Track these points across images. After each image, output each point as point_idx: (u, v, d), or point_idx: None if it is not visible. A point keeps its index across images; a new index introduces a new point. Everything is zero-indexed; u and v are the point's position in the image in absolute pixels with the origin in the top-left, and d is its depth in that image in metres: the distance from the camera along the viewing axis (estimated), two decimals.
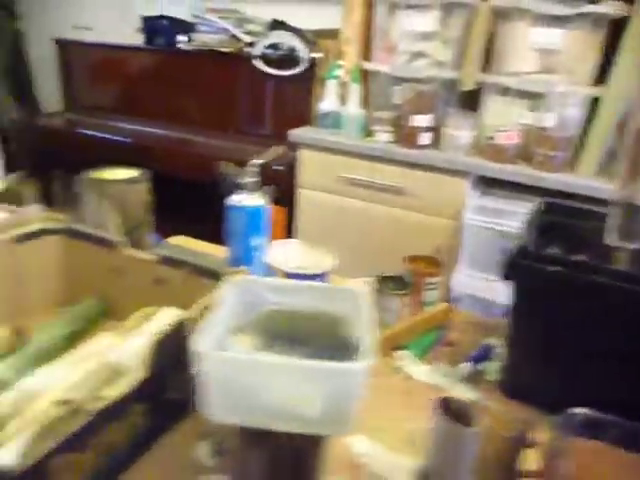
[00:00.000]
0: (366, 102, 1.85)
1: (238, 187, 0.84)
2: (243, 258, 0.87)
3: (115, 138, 2.33)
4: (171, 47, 2.34)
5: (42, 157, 2.65)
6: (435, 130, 1.76)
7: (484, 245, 1.65)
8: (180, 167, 2.15)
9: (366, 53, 1.86)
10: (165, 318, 0.79)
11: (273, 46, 2.09)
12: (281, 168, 1.96)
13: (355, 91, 1.80)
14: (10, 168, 2.88)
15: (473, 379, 0.87)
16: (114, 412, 0.58)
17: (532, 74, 1.67)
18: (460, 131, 1.71)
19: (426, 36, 1.74)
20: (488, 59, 1.72)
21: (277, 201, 2.00)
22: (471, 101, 1.79)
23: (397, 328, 0.93)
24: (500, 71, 1.70)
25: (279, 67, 2.09)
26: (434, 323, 0.98)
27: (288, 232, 2.02)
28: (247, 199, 0.84)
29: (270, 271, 0.92)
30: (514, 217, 1.59)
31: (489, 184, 1.73)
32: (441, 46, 1.74)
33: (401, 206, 1.80)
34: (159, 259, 0.84)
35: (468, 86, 1.70)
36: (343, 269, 1.85)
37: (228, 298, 0.66)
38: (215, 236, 1.12)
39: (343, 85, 1.86)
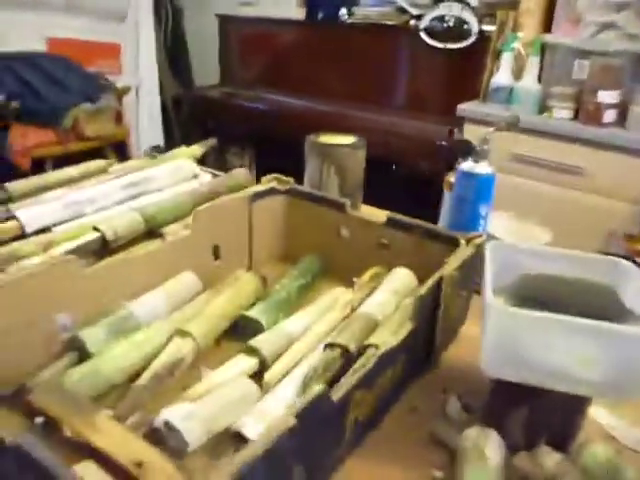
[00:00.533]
0: (545, 77, 1.77)
1: (470, 154, 0.84)
2: (470, 225, 0.87)
3: (272, 109, 2.42)
4: (333, 21, 2.38)
5: (198, 127, 2.82)
6: (621, 107, 1.65)
7: None
8: None
9: (547, 25, 1.77)
10: (401, 277, 0.82)
11: (440, 18, 2.05)
12: (444, 143, 1.94)
13: (534, 64, 1.73)
14: (169, 137, 3.11)
15: None
16: (390, 359, 0.61)
17: None
18: None
19: (618, 6, 1.62)
20: None
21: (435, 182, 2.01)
22: None
23: None
24: None
25: (447, 40, 2.05)
26: None
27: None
28: (479, 166, 0.84)
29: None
30: None
31: None
32: (634, 17, 1.61)
33: (579, 188, 1.72)
34: (386, 221, 0.86)
35: None
36: None
37: (488, 261, 0.66)
38: None
39: (519, 58, 1.79)
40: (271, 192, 0.95)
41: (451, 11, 2.01)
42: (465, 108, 1.85)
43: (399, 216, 0.86)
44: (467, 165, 0.85)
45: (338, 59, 2.37)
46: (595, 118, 1.65)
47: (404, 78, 2.20)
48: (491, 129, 0.88)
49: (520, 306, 0.72)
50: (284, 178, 0.95)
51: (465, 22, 1.99)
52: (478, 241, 0.79)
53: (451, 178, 0.94)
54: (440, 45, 2.06)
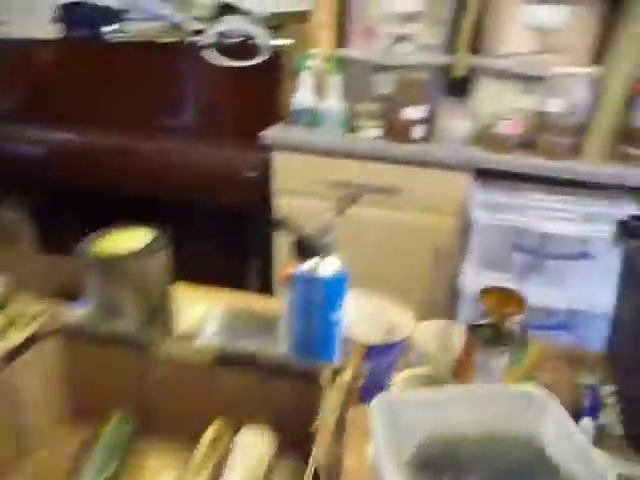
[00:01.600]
0: (346, 94, 1.64)
1: (312, 251, 0.63)
2: (321, 336, 0.67)
3: (30, 149, 1.97)
4: (94, 39, 1.99)
5: None
6: (428, 122, 1.60)
7: (494, 243, 1.52)
8: (123, 180, 1.86)
9: (342, 39, 1.65)
10: (252, 447, 0.58)
11: (225, 34, 1.82)
12: (253, 175, 1.73)
13: (335, 83, 1.59)
14: None
15: (597, 438, 0.74)
16: None
17: (528, 55, 1.54)
18: (456, 121, 1.56)
19: (409, 16, 1.56)
20: (478, 41, 1.57)
21: (250, 213, 1.79)
22: (459, 88, 1.64)
23: None
24: (493, 53, 1.56)
25: (236, 57, 1.82)
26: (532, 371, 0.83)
27: (266, 249, 1.80)
28: (325, 265, 0.64)
29: (346, 346, 0.73)
30: (524, 211, 1.48)
31: (490, 176, 1.60)
32: (427, 28, 1.56)
33: (395, 207, 1.63)
34: (215, 359, 0.63)
35: (462, 72, 1.54)
36: None
37: (379, 427, 0.47)
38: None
39: (318, 76, 1.65)
40: (36, 340, 0.65)
41: (236, 25, 1.79)
42: (270, 135, 1.66)
43: (231, 348, 0.63)
44: (309, 266, 0.64)
45: (110, 83, 2.00)
46: (404, 135, 1.57)
47: (193, 103, 1.92)
48: (329, 214, 0.68)
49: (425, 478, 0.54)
50: (49, 309, 0.66)
51: (253, 37, 1.79)
52: (347, 377, 0.59)
53: (289, 269, 0.72)
54: (228, 63, 1.83)
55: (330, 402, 0.56)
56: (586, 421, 0.75)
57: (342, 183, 1.64)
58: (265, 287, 1.85)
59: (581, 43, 1.50)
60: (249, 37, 1.79)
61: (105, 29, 1.99)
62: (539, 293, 1.52)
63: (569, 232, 1.45)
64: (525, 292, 1.52)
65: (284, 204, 1.72)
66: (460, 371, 0.80)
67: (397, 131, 1.57)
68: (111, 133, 1.94)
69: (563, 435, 0.49)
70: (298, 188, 1.70)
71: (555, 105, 1.47)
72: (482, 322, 0.81)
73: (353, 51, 1.62)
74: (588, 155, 1.52)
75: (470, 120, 1.57)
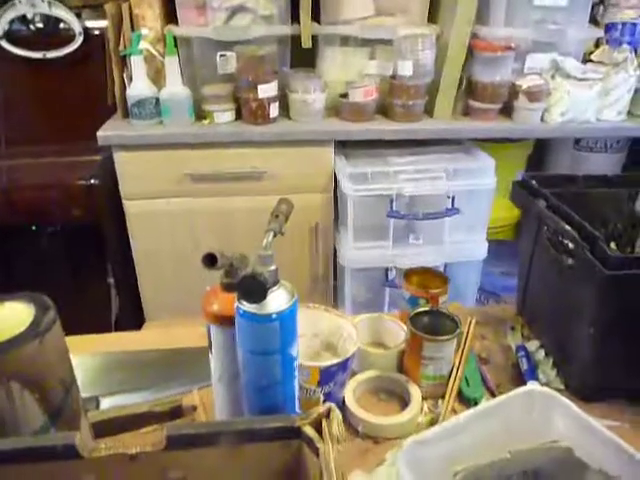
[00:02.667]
0: (189, 78, 1.48)
1: (259, 287, 0.52)
2: (283, 380, 0.57)
3: None
4: None
5: None
6: (281, 98, 1.51)
7: (368, 213, 1.51)
8: None
9: (170, 16, 1.47)
10: None
11: (23, 19, 1.52)
12: (95, 182, 1.50)
13: (173, 66, 1.41)
14: None
15: None
16: None
17: (368, 19, 1.51)
18: (310, 94, 1.49)
19: None
20: (319, 8, 1.50)
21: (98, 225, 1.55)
22: (304, 58, 1.57)
23: (456, 379, 0.75)
24: (334, 20, 1.50)
25: (42, 47, 1.54)
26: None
27: (125, 259, 1.59)
28: (276, 300, 0.53)
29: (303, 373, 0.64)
30: (390, 177, 1.48)
31: (353, 146, 1.57)
32: None
33: (262, 192, 1.53)
34: (166, 445, 0.50)
35: (308, 42, 1.47)
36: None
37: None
38: None
39: (151, 60, 1.45)
40: None
41: (35, 8, 1.50)
42: (107, 135, 1.43)
43: (184, 429, 0.51)
44: (252, 306, 0.53)
45: None
46: (259, 115, 1.47)
47: (6, 107, 1.60)
48: (269, 236, 0.57)
49: None
50: None
51: (60, 21, 1.52)
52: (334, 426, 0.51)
53: (213, 306, 0.60)
54: (35, 55, 1.54)
55: (327, 461, 0.47)
56: (534, 385, 0.75)
57: (200, 176, 1.50)
58: (135, 308, 1.65)
59: (416, 4, 1.51)
60: (55, 21, 1.52)
61: None
62: (417, 254, 1.55)
63: (436, 191, 1.49)
64: (404, 255, 1.55)
65: (137, 211, 1.53)
66: (409, 364, 0.75)
67: (252, 112, 1.46)
68: None
69: (577, 427, 0.46)
70: (151, 189, 1.51)
71: (404, 68, 1.47)
72: (420, 310, 0.77)
73: (186, 28, 1.45)
74: (439, 113, 1.57)
75: (323, 91, 1.51)
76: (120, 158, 1.46)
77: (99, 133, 1.42)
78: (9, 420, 0.51)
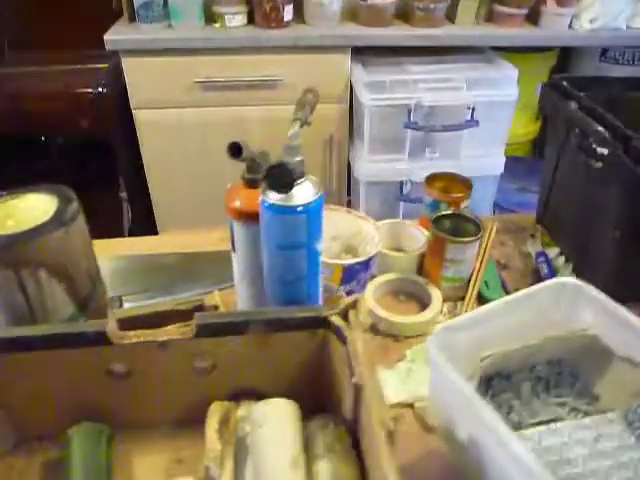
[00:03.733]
0: None
1: (287, 177, 0.51)
2: (308, 275, 0.57)
3: None
4: None
5: None
6: (295, 0, 1.43)
7: (384, 123, 1.47)
8: None
9: None
10: (275, 415, 0.49)
11: None
12: (104, 91, 1.45)
13: None
14: None
15: None
16: None
17: None
18: None
19: None
20: None
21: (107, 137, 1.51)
22: None
23: (476, 281, 0.75)
24: None
25: None
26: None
27: (136, 172, 1.58)
28: (303, 192, 0.52)
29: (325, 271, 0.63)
30: (408, 86, 1.43)
31: (368, 52, 1.51)
32: None
33: (274, 101, 1.49)
34: (196, 331, 0.51)
35: None
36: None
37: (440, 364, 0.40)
38: None
39: None
40: None
41: None
42: (115, 39, 1.37)
43: (213, 318, 0.51)
44: (278, 198, 0.51)
45: None
46: (274, 19, 1.40)
47: (7, 10, 1.52)
48: (296, 125, 0.55)
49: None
50: None
51: None
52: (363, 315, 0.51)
53: (233, 203, 0.59)
54: None
55: (355, 348, 0.47)
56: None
57: (211, 84, 1.45)
58: (147, 222, 1.65)
59: None
60: None
61: None
62: (433, 167, 1.52)
63: (456, 101, 1.44)
64: (419, 168, 1.52)
65: (147, 120, 1.49)
66: (429, 267, 0.75)
67: (265, 14, 1.39)
68: None
69: (605, 315, 0.46)
70: (161, 98, 1.47)
71: None
72: (443, 213, 0.76)
73: None
74: (462, 18, 1.48)
75: None
76: (128, 64, 1.41)
77: (106, 37, 1.36)
78: (38, 308, 0.51)
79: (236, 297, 0.69)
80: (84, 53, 1.49)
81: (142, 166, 1.56)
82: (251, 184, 0.59)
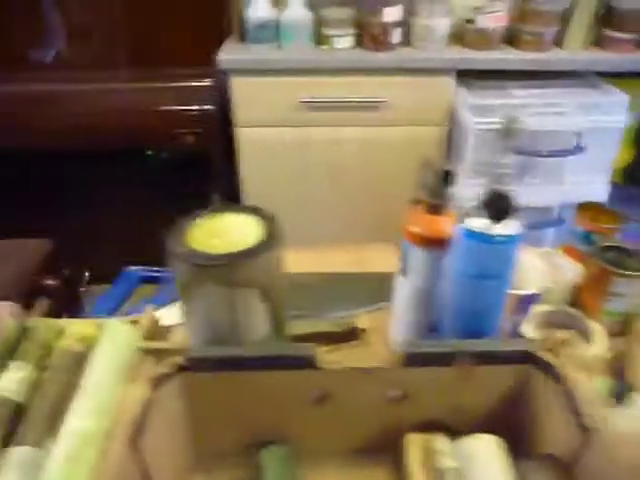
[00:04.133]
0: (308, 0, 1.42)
1: (503, 208, 0.50)
2: (492, 310, 0.56)
3: None
4: None
5: None
6: (404, 24, 1.44)
7: (486, 147, 1.45)
8: (38, 135, 1.53)
9: None
10: (482, 453, 0.47)
11: None
12: (210, 108, 1.49)
13: None
14: None
15: None
16: None
17: None
18: (434, 19, 1.41)
19: None
20: None
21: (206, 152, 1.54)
22: None
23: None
24: None
25: None
26: None
27: (231, 189, 1.60)
28: (506, 222, 0.51)
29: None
30: (513, 110, 1.41)
31: (472, 76, 1.50)
32: None
33: (377, 123, 1.49)
34: (405, 359, 0.50)
35: None
36: (323, 220, 1.51)
37: None
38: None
39: None
40: (164, 380, 0.48)
41: None
42: (228, 58, 1.41)
43: (423, 347, 0.50)
44: (483, 224, 0.51)
45: (7, 16, 1.59)
46: (382, 41, 1.40)
47: (124, 29, 1.59)
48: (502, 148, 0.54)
49: None
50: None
51: None
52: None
53: (415, 228, 0.58)
54: None
55: (576, 387, 0.46)
56: None
57: (316, 104, 1.46)
58: None
59: None
60: None
61: None
62: (533, 192, 1.49)
63: (562, 126, 1.41)
64: (519, 193, 1.49)
65: (248, 138, 1.52)
66: (588, 300, 0.73)
67: (373, 37, 1.40)
68: (16, 77, 1.57)
69: None
70: (264, 117, 1.49)
71: None
72: (606, 244, 0.74)
73: None
74: (571, 43, 1.46)
75: (448, 16, 1.43)
76: (236, 83, 1.44)
77: (219, 57, 1.40)
78: (242, 325, 0.52)
79: (391, 322, 0.69)
80: (191, 70, 1.53)
81: (237, 181, 1.58)
82: (435, 210, 0.58)
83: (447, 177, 0.51)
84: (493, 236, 0.51)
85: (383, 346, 0.69)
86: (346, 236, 1.58)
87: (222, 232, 0.53)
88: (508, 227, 0.51)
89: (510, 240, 0.51)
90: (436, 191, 0.58)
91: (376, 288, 0.81)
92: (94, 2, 1.60)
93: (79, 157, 1.52)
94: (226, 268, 0.48)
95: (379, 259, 0.93)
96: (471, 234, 0.52)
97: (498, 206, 0.49)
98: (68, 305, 1.46)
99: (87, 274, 1.68)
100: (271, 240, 0.50)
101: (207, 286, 0.49)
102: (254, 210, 0.55)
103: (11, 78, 1.57)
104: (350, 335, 0.73)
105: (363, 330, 0.77)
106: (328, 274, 0.87)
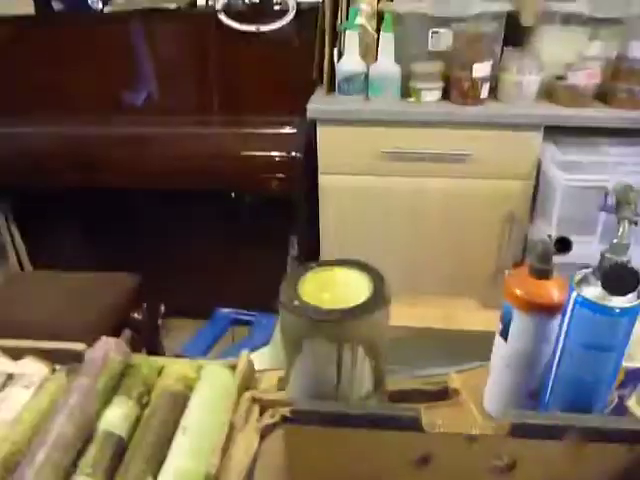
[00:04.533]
0: (397, 54, 1.46)
1: (631, 280, 0.48)
2: (607, 377, 0.53)
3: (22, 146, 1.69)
4: (82, 11, 1.72)
5: None
6: (493, 79, 1.45)
7: (574, 205, 1.41)
8: (125, 174, 1.62)
9: None
10: None
11: None
12: (297, 155, 1.54)
13: (388, 42, 1.40)
14: None
15: None
16: None
17: None
18: (525, 75, 1.41)
19: None
20: None
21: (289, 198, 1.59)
22: (516, 36, 1.49)
23: None
24: None
25: (253, 21, 1.60)
26: None
27: (312, 234, 1.63)
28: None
29: None
30: (604, 168, 1.37)
31: (560, 132, 1.48)
32: None
33: (461, 175, 1.49)
34: (511, 429, 0.48)
35: (531, 19, 1.39)
36: (404, 272, 1.47)
37: None
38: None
39: (364, 36, 1.45)
40: (270, 431, 0.49)
41: None
42: (316, 108, 1.46)
43: (531, 418, 0.48)
44: (599, 294, 0.49)
45: (110, 63, 1.73)
46: (472, 96, 1.42)
47: (216, 77, 1.69)
48: (625, 224, 0.53)
49: None
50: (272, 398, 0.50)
51: None
52: None
53: (521, 293, 0.57)
54: (249, 28, 1.61)
55: None
56: None
57: (399, 155, 1.48)
58: None
59: None
60: None
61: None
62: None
63: None
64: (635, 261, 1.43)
65: (331, 185, 1.55)
66: None
67: (463, 92, 1.41)
68: (111, 120, 1.69)
69: None
70: (347, 165, 1.52)
71: (636, 49, 1.34)
72: None
73: (403, 4, 1.43)
74: None
75: (538, 73, 1.42)
76: (323, 132, 1.49)
77: (309, 106, 1.45)
78: (345, 382, 0.52)
79: (487, 384, 0.67)
80: (279, 118, 1.60)
81: (317, 226, 1.61)
82: (541, 274, 0.57)
83: (562, 245, 0.50)
84: (611, 308, 0.49)
85: (477, 409, 0.67)
86: (424, 287, 1.56)
87: (332, 286, 0.54)
88: (626, 298, 0.49)
89: (628, 312, 0.49)
90: (545, 256, 0.57)
91: (467, 347, 0.80)
92: (186, 49, 1.71)
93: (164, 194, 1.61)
94: (338, 323, 0.49)
95: (467, 316, 0.92)
96: (586, 303, 0.50)
97: (623, 282, 0.48)
98: (148, 338, 1.52)
99: (163, 308, 1.74)
100: (381, 298, 0.51)
101: (317, 340, 0.50)
102: (362, 266, 0.56)
103: (106, 121, 1.68)
104: (443, 394, 0.72)
105: (455, 390, 0.76)
106: (419, 329, 0.86)
